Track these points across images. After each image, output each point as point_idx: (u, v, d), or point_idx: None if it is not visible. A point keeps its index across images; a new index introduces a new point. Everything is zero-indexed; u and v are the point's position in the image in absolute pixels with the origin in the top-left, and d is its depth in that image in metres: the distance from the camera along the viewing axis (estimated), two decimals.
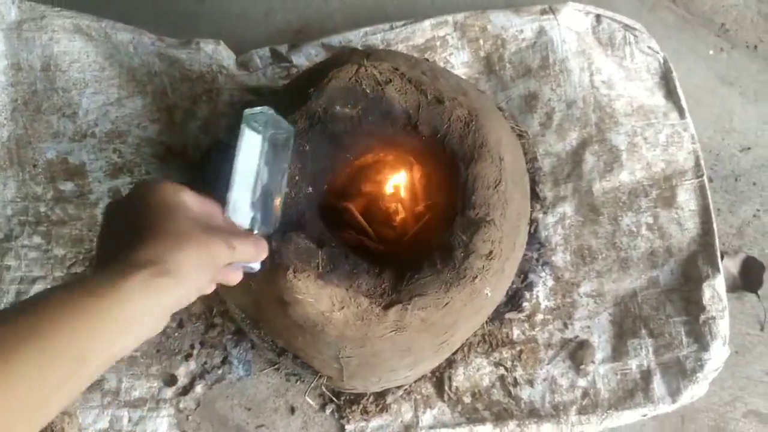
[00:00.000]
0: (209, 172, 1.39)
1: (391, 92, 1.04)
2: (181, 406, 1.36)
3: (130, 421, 1.35)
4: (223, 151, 1.39)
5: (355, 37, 1.44)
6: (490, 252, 1.01)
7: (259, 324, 1.17)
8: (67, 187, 1.41)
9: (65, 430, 1.29)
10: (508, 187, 1.06)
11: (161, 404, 1.36)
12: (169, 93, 1.40)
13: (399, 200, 1.24)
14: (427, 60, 1.27)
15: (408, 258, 1.05)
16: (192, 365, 1.38)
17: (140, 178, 1.40)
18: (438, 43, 1.44)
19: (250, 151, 0.89)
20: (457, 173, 1.05)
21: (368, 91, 1.03)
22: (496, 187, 1.04)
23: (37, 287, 1.39)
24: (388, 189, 1.23)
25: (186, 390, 1.37)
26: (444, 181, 1.10)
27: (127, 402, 1.36)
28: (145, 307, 0.63)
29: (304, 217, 1.03)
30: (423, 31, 1.43)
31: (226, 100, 1.40)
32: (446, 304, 1.01)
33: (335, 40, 1.44)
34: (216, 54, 1.42)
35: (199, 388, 1.37)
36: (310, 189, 1.06)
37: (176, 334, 1.38)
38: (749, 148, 1.46)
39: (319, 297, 0.99)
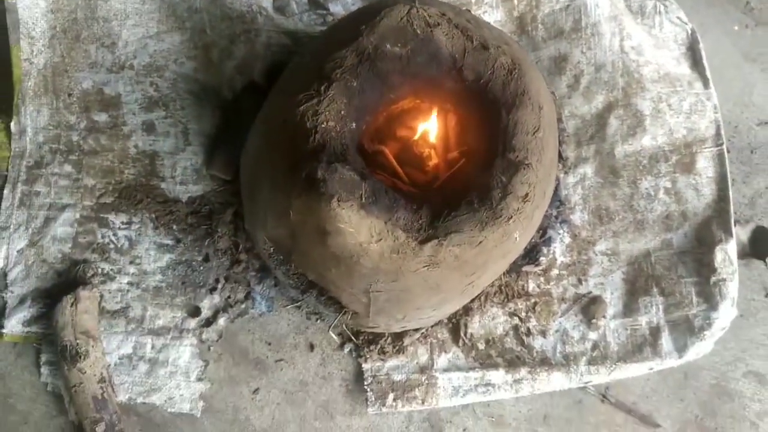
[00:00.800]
0: (241, 113, 1.42)
1: (439, 35, 1.07)
2: (204, 337, 1.40)
3: (153, 348, 1.39)
4: (257, 93, 1.42)
5: None
6: (526, 195, 1.05)
7: (291, 256, 1.20)
8: (101, 117, 1.43)
9: (89, 353, 1.33)
10: (546, 134, 1.10)
11: (184, 334, 1.40)
12: (207, 30, 1.42)
13: (432, 146, 1.27)
14: (469, 11, 1.30)
15: (442, 200, 1.09)
16: (216, 298, 1.42)
17: (175, 113, 1.42)
18: (473, 0, 1.47)
19: None
20: (498, 118, 1.08)
21: (418, 32, 1.06)
22: (534, 133, 1.08)
23: (67, 215, 1.42)
24: (423, 134, 1.27)
25: (209, 322, 1.41)
26: (479, 128, 1.14)
27: (151, 330, 1.40)
28: None
29: (348, 151, 1.06)
30: None
31: (264, 41, 1.43)
32: (480, 242, 1.05)
33: None
34: None
35: (221, 321, 1.41)
36: (354, 125, 1.09)
37: (201, 267, 1.42)
38: (766, 123, 1.51)
39: (359, 227, 1.02)
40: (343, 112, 1.06)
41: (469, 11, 1.27)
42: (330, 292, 1.21)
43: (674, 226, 1.42)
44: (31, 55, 1.41)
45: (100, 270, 1.41)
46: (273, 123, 1.19)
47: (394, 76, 1.09)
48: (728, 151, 1.46)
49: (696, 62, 1.46)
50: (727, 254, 1.37)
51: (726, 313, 1.35)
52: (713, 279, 1.36)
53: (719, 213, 1.40)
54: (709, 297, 1.36)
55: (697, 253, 1.40)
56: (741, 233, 1.46)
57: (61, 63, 1.42)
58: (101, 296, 1.40)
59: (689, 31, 1.47)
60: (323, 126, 1.04)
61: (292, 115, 1.06)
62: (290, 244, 1.17)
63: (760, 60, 1.54)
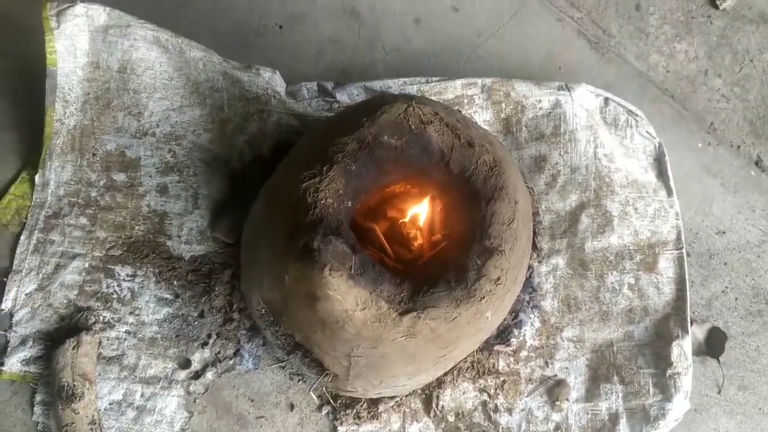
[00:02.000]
0: (248, 183, 1.56)
1: (431, 131, 1.22)
2: (191, 389, 1.49)
3: (142, 396, 1.47)
4: (263, 166, 1.56)
5: (394, 85, 1.63)
6: (498, 278, 1.18)
7: (282, 318, 1.31)
8: (120, 177, 1.57)
9: (84, 395, 1.40)
10: (519, 226, 1.23)
11: (173, 384, 1.48)
12: (225, 108, 1.58)
13: (418, 228, 1.40)
14: (460, 111, 1.46)
15: (422, 277, 1.21)
16: (206, 353, 1.51)
17: (188, 179, 1.56)
18: (466, 101, 1.63)
19: None
20: (477, 208, 1.22)
21: (413, 127, 1.21)
22: (509, 224, 1.21)
23: (76, 263, 1.52)
24: (411, 217, 1.40)
25: (197, 375, 1.49)
26: (461, 215, 1.28)
27: (142, 378, 1.48)
28: None
29: (342, 226, 1.19)
30: (454, 88, 1.63)
31: (275, 120, 1.58)
32: (454, 318, 1.17)
33: (376, 84, 1.64)
34: (272, 81, 1.60)
35: (209, 375, 1.49)
36: (350, 203, 1.22)
37: (196, 322, 1.52)
38: (724, 232, 1.65)
39: (347, 296, 1.14)
40: (341, 192, 1.19)
41: (460, 111, 1.43)
42: (314, 353, 1.31)
43: (636, 319, 1.54)
44: (64, 116, 1.55)
45: (101, 318, 1.51)
46: (278, 194, 1.32)
47: (388, 164, 1.23)
48: (688, 255, 1.59)
49: (662, 173, 1.61)
50: (682, 350, 1.48)
51: (679, 405, 1.45)
52: (669, 372, 1.47)
53: (677, 311, 1.52)
54: (665, 388, 1.46)
55: (656, 346, 1.51)
56: (697, 332, 1.57)
57: (90, 126, 1.56)
58: (100, 342, 1.49)
59: (657, 145, 1.63)
60: (322, 202, 1.18)
61: (296, 189, 1.20)
62: (282, 306, 1.28)
63: (719, 176, 1.69)
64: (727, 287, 1.62)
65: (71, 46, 1.52)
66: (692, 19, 1.84)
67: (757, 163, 1.73)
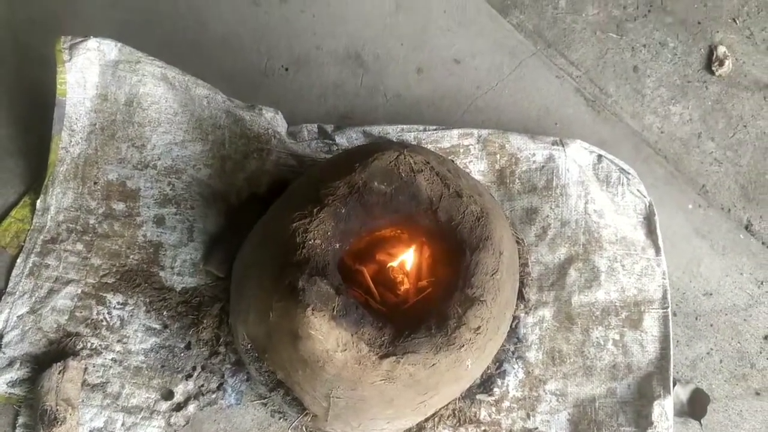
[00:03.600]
0: (243, 219, 1.59)
1: (420, 180, 1.25)
2: (172, 420, 1.49)
3: (123, 425, 1.48)
4: (259, 204, 1.59)
5: (392, 131, 1.67)
6: (479, 327, 1.20)
7: (264, 354, 1.32)
8: (119, 206, 1.60)
9: (66, 420, 1.41)
10: (503, 277, 1.25)
11: (154, 415, 1.49)
12: (226, 145, 1.62)
13: (405, 273, 1.43)
14: (452, 161, 1.49)
15: (405, 321, 1.23)
16: (190, 385, 1.52)
17: (185, 212, 1.59)
18: (461, 150, 1.67)
19: None
20: (462, 257, 1.24)
21: (403, 175, 1.24)
22: (493, 275, 1.23)
23: (69, 289, 1.55)
24: (398, 261, 1.42)
25: (179, 407, 1.50)
26: (447, 264, 1.30)
27: (125, 407, 1.49)
28: None
29: (328, 267, 1.21)
30: (451, 137, 1.67)
31: (274, 160, 1.62)
32: (433, 365, 1.18)
33: (375, 129, 1.68)
34: (273, 121, 1.65)
35: (191, 407, 1.50)
36: (337, 245, 1.25)
37: (182, 354, 1.53)
38: (711, 294, 1.66)
39: (328, 336, 1.16)
40: (329, 233, 1.22)
41: (453, 161, 1.46)
42: (295, 392, 1.32)
43: (619, 376, 1.54)
44: (69, 144, 1.60)
45: (89, 344, 1.52)
46: (269, 232, 1.35)
47: (377, 209, 1.26)
48: (674, 315, 1.61)
49: (651, 231, 1.64)
50: (664, 409, 1.48)
51: None
52: (650, 431, 1.47)
53: (660, 370, 1.53)
54: None
55: (638, 404, 1.51)
56: (681, 393, 1.57)
57: (94, 155, 1.61)
58: (86, 369, 1.51)
59: (647, 203, 1.65)
60: (310, 242, 1.20)
61: (286, 228, 1.23)
62: (266, 342, 1.30)
63: (708, 237, 1.71)
64: (712, 349, 1.62)
65: (81, 78, 1.58)
66: (688, 84, 1.88)
67: (747, 227, 1.75)
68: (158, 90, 1.61)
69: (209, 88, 1.62)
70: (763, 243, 1.73)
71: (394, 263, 1.42)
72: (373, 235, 1.41)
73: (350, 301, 1.19)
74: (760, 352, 1.62)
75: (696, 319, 1.65)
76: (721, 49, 1.91)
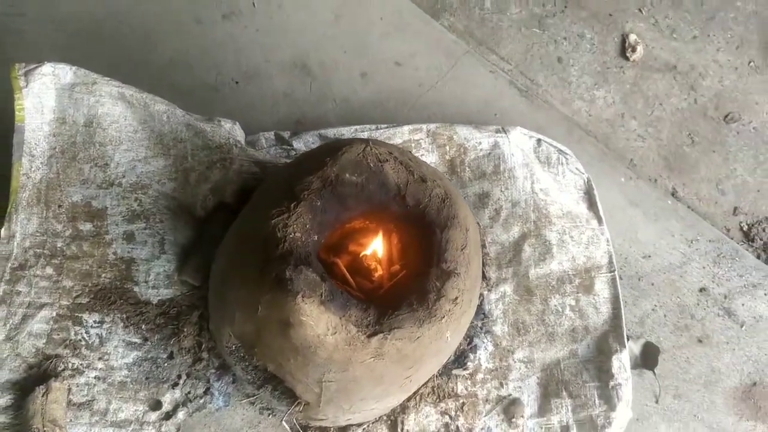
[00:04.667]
0: (212, 228, 1.64)
1: (387, 169, 1.35)
2: (163, 429, 1.52)
3: None
4: (227, 212, 1.64)
5: (347, 132, 1.76)
6: (456, 298, 1.29)
7: (254, 350, 1.38)
8: (86, 227, 1.62)
9: None
10: (471, 251, 1.36)
11: (145, 426, 1.51)
12: (189, 158, 1.66)
13: (377, 260, 1.51)
14: (410, 152, 1.59)
15: (385, 303, 1.32)
16: (177, 393, 1.55)
17: (154, 225, 1.63)
18: (413, 145, 1.78)
19: None
20: (433, 237, 1.34)
21: (371, 165, 1.33)
22: (462, 249, 1.34)
23: (44, 313, 1.55)
24: (370, 250, 1.51)
25: (169, 415, 1.53)
26: (417, 245, 1.39)
27: (113, 422, 1.51)
28: None
29: (310, 257, 1.29)
30: (402, 133, 1.78)
31: (236, 168, 1.67)
32: (418, 338, 1.27)
33: (330, 132, 1.76)
34: (232, 131, 1.71)
35: (180, 415, 1.53)
36: (316, 237, 1.33)
37: (166, 364, 1.56)
38: (650, 256, 1.83)
39: (318, 321, 1.23)
40: (308, 226, 1.29)
41: (410, 152, 1.56)
42: (287, 382, 1.37)
43: (579, 338, 1.67)
44: (30, 170, 1.60)
45: (70, 365, 1.53)
46: (245, 234, 1.41)
47: (350, 199, 1.34)
48: (620, 278, 1.75)
49: (592, 204, 1.78)
50: (621, 362, 1.62)
51: (623, 414, 1.58)
52: (611, 383, 1.60)
53: (614, 328, 1.67)
54: (609, 399, 1.59)
55: (598, 361, 1.64)
56: (633, 347, 1.72)
57: (56, 179, 1.62)
58: (69, 389, 1.51)
59: (585, 179, 1.80)
60: (291, 236, 1.27)
61: (265, 226, 1.29)
62: (255, 338, 1.35)
63: (641, 206, 1.87)
64: (656, 305, 1.78)
65: (38, 103, 1.59)
66: (607, 70, 2.07)
67: (673, 194, 1.94)
68: (117, 109, 1.64)
69: (167, 104, 1.67)
70: (688, 206, 1.91)
71: (366, 252, 1.50)
72: (345, 227, 1.49)
73: (335, 286, 1.27)
74: (698, 304, 1.78)
75: (639, 280, 1.80)
76: (632, 37, 2.10)
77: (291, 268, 1.23)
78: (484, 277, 1.69)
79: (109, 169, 1.64)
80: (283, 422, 1.52)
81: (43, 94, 1.59)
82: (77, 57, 1.69)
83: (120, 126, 1.65)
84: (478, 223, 1.73)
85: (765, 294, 1.80)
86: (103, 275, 1.60)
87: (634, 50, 2.08)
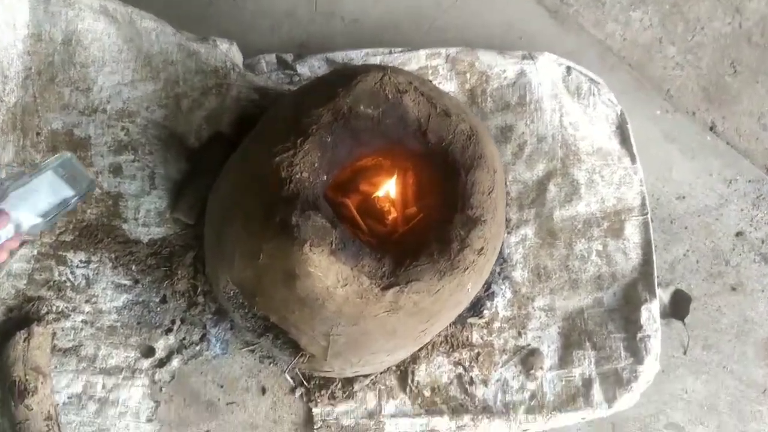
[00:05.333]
0: (207, 161, 1.49)
1: (407, 101, 1.18)
2: (156, 377, 1.42)
3: (104, 387, 1.40)
4: (224, 143, 1.49)
5: (356, 56, 1.59)
6: (482, 248, 1.16)
7: (255, 299, 1.25)
8: None
9: (38, 389, 1.32)
10: (498, 195, 1.22)
11: (137, 374, 1.42)
12: (180, 82, 1.49)
13: (391, 201, 1.37)
14: (430, 81, 1.42)
15: (401, 251, 1.18)
16: (171, 340, 1.44)
17: (143, 157, 1.47)
18: (430, 72, 1.60)
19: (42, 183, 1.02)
20: (457, 178, 1.19)
21: (389, 97, 1.17)
22: (489, 193, 1.19)
23: (24, 251, 1.43)
24: (383, 190, 1.36)
25: (162, 363, 1.43)
26: (437, 187, 1.25)
27: (103, 369, 1.41)
28: None
29: (319, 201, 1.14)
30: (418, 59, 1.60)
31: (234, 95, 1.50)
32: (437, 291, 1.15)
33: (338, 56, 1.59)
34: (229, 53, 1.53)
35: (175, 362, 1.43)
36: (325, 177, 1.18)
37: (158, 309, 1.45)
38: (684, 197, 1.69)
39: (328, 272, 1.10)
40: (316, 165, 1.15)
41: (431, 82, 1.39)
42: (290, 334, 1.26)
43: (605, 285, 1.55)
44: (3, 93, 1.43)
45: (54, 308, 1.42)
46: (247, 171, 1.26)
47: (365, 135, 1.19)
48: (652, 221, 1.62)
49: (624, 140, 1.63)
50: (651, 313, 1.51)
51: (650, 367, 1.48)
52: (639, 335, 1.49)
53: (644, 275, 1.55)
54: (636, 351, 1.49)
55: (625, 311, 1.53)
56: (662, 295, 1.61)
57: (33, 103, 1.45)
58: (54, 334, 1.41)
59: (618, 112, 1.64)
60: (298, 176, 1.12)
61: (268, 164, 1.14)
62: (256, 286, 1.22)
63: (678, 141, 1.73)
64: (688, 250, 1.66)
65: (11, 18, 1.40)
66: None
67: (711, 129, 1.78)
68: (99, 25, 1.45)
69: (156, 20, 1.48)
70: (727, 143, 1.76)
71: (379, 192, 1.36)
72: (355, 165, 1.34)
73: (347, 233, 1.13)
74: (733, 249, 1.67)
75: (671, 222, 1.67)
76: None
77: (297, 212, 1.09)
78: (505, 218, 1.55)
79: (91, 93, 1.47)
80: (286, 374, 1.42)
81: (15, 7, 1.40)
82: None
83: (103, 45, 1.46)
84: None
85: None
86: (89, 211, 1.47)
87: None
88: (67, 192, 1.04)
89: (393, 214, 1.36)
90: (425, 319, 1.22)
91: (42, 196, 1.03)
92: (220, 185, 1.37)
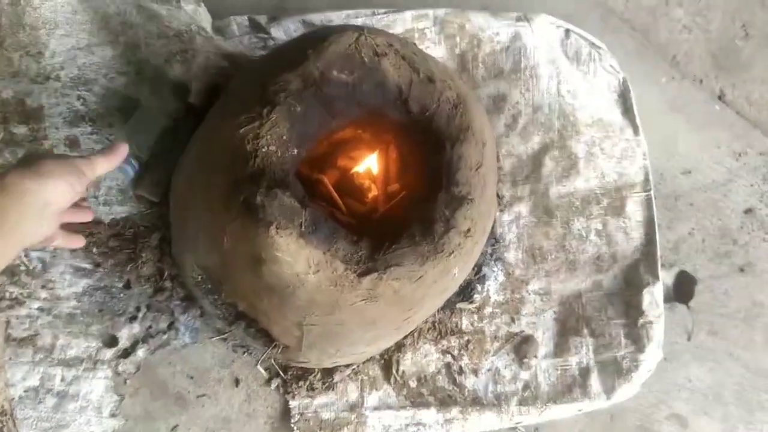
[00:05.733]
0: (172, 133, 1.38)
1: (386, 65, 1.07)
2: (120, 368, 1.33)
3: (63, 380, 1.31)
4: (192, 115, 1.38)
5: (336, 18, 1.47)
6: (468, 230, 1.05)
7: (221, 285, 1.15)
8: (20, 130, 1.35)
9: None
10: (487, 171, 1.10)
11: (98, 365, 1.33)
12: (142, 47, 1.37)
13: (372, 178, 1.26)
14: (414, 44, 1.31)
15: (381, 232, 1.07)
16: (136, 328, 1.35)
17: (102, 129, 1.36)
18: (416, 35, 1.49)
19: None
20: (441, 152, 1.08)
21: (366, 60, 1.05)
22: (477, 169, 1.08)
23: None
24: (363, 166, 1.26)
25: (127, 353, 1.34)
26: (420, 161, 1.14)
27: (62, 360, 1.32)
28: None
29: (288, 177, 1.03)
30: (404, 21, 1.48)
31: (201, 62, 1.37)
32: (420, 277, 1.04)
33: (317, 18, 1.47)
34: (196, 14, 1.41)
35: (140, 352, 1.34)
36: (295, 151, 1.06)
37: (122, 294, 1.35)
38: (690, 172, 1.60)
39: (297, 257, 0.99)
40: (285, 137, 1.03)
41: (415, 44, 1.28)
42: (261, 323, 1.16)
43: (604, 267, 1.46)
44: None
45: (7, 294, 1.32)
46: (210, 144, 1.15)
47: (339, 104, 1.07)
48: (655, 198, 1.52)
49: (627, 109, 1.53)
50: (653, 297, 1.42)
51: (652, 356, 1.40)
52: (641, 321, 1.41)
53: (646, 256, 1.46)
54: (637, 339, 1.40)
55: (626, 295, 1.44)
56: (665, 277, 1.52)
57: None
58: (8, 322, 1.31)
59: (621, 80, 1.53)
60: (264, 150, 1.01)
61: (232, 137, 1.03)
62: (221, 272, 1.12)
63: (684, 111, 1.64)
64: (693, 229, 1.58)
65: None
66: None
67: (720, 98, 1.69)
68: None
69: None
70: (737, 112, 1.66)
71: (359, 168, 1.25)
72: (332, 137, 1.23)
73: (318, 213, 1.02)
74: (742, 227, 1.58)
75: (675, 199, 1.58)
76: None
77: (263, 191, 0.98)
78: (496, 195, 1.44)
79: (43, 59, 1.35)
80: (259, 366, 1.32)
81: None
82: None
83: (55, 5, 1.35)
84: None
85: None
86: None
87: None
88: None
89: (373, 192, 1.26)
90: (407, 308, 1.12)
91: None
92: (183, 161, 1.26)
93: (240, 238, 1.01)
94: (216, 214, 1.06)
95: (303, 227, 0.99)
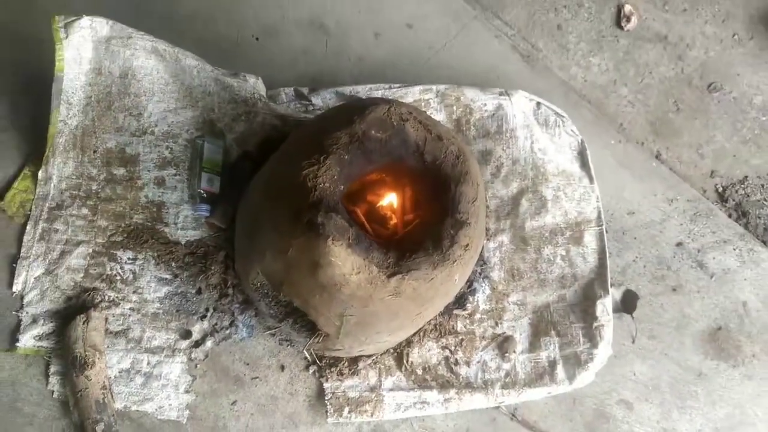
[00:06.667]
0: (237, 175, 1.77)
1: (408, 127, 1.48)
2: (193, 356, 1.68)
3: (148, 364, 1.66)
4: (250, 161, 1.77)
5: (362, 90, 1.89)
6: (467, 245, 1.45)
7: (282, 287, 1.53)
8: (120, 171, 1.74)
9: (95, 363, 1.58)
10: (480, 204, 1.51)
11: (176, 353, 1.67)
12: (215, 110, 1.78)
13: (392, 210, 1.66)
14: (424, 112, 1.72)
15: (401, 248, 1.47)
16: (205, 324, 1.71)
17: (182, 171, 1.75)
18: (423, 104, 1.91)
19: None
20: (448, 190, 1.49)
21: (395, 124, 1.47)
22: (473, 202, 1.49)
23: (81, 249, 1.69)
24: (386, 201, 1.65)
25: (198, 344, 1.69)
26: (430, 198, 1.54)
27: (148, 349, 1.67)
28: None
29: (338, 205, 1.43)
30: (413, 93, 1.91)
31: (260, 121, 1.79)
32: (431, 279, 1.43)
33: (347, 90, 1.89)
34: (256, 86, 1.82)
35: (208, 343, 1.69)
36: (342, 187, 1.47)
37: (194, 299, 1.71)
38: (633, 213, 2.00)
39: (345, 262, 1.38)
40: (336, 177, 1.43)
41: (425, 112, 1.70)
42: (309, 315, 1.53)
43: (567, 284, 1.85)
44: (67, 117, 1.72)
45: (106, 297, 1.68)
46: (277, 182, 1.54)
47: (374, 154, 1.48)
48: (606, 231, 1.93)
49: (584, 164, 1.94)
50: (604, 306, 1.81)
51: (604, 351, 1.77)
52: (595, 324, 1.79)
53: (599, 276, 1.85)
54: (592, 338, 1.78)
55: (584, 305, 1.83)
56: (615, 294, 1.91)
57: (91, 126, 1.73)
58: (107, 319, 1.67)
59: (579, 141, 1.96)
60: (321, 186, 1.41)
61: (297, 176, 1.42)
62: (284, 276, 1.49)
63: (629, 166, 2.04)
64: (637, 257, 1.96)
65: (77, 55, 1.69)
66: (603, 38, 2.20)
67: (657, 157, 2.10)
68: (150, 62, 1.75)
69: (197, 59, 1.77)
70: (670, 168, 2.08)
71: (383, 202, 1.65)
72: (364, 179, 1.63)
73: (360, 232, 1.42)
74: (674, 257, 1.97)
75: (623, 234, 1.98)
76: (627, 8, 2.23)
77: (322, 214, 1.37)
78: (485, 228, 1.85)
79: (142, 118, 1.76)
80: (304, 351, 1.69)
81: (81, 46, 1.70)
82: (103, 10, 1.77)
83: (153, 78, 1.75)
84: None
85: (734, 249, 2.00)
86: (135, 216, 1.74)
87: (628, 20, 2.21)
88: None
89: (394, 220, 1.65)
90: (421, 303, 1.50)
91: None
92: (249, 196, 1.65)
93: (303, 249, 1.40)
94: (283, 232, 1.45)
95: (350, 240, 1.39)
